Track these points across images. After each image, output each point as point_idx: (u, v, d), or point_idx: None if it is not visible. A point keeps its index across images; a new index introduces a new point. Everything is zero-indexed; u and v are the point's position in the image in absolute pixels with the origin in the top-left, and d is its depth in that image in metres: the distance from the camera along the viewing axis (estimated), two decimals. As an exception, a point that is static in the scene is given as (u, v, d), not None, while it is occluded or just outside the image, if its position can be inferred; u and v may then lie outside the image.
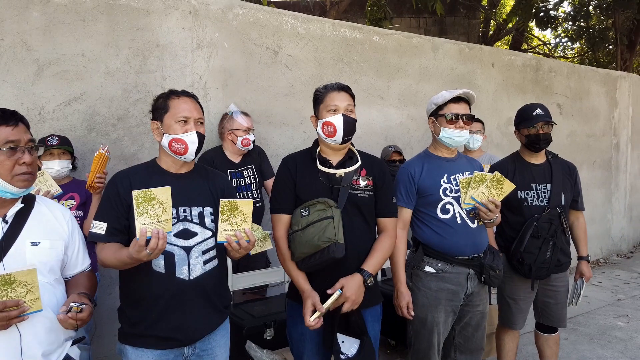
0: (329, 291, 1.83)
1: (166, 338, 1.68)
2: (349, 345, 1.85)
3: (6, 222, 1.48)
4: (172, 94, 1.77)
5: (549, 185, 2.66)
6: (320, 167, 1.96)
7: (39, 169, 2.65)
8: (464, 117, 2.19)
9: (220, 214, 1.61)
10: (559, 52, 14.19)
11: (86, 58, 3.02)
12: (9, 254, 1.44)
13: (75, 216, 2.63)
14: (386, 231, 2.03)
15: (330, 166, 1.98)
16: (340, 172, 1.96)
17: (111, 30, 3.09)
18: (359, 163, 2.00)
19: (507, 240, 2.69)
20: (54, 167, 2.65)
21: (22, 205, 1.53)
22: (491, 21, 11.97)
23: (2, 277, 1.29)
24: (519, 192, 2.66)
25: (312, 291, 1.87)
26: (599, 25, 9.73)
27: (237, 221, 1.63)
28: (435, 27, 11.10)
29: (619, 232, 7.11)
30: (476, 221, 2.23)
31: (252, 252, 2.97)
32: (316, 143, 2.05)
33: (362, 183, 1.96)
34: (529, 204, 2.65)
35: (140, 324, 1.68)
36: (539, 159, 2.73)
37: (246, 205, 1.65)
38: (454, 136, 2.21)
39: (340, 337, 1.85)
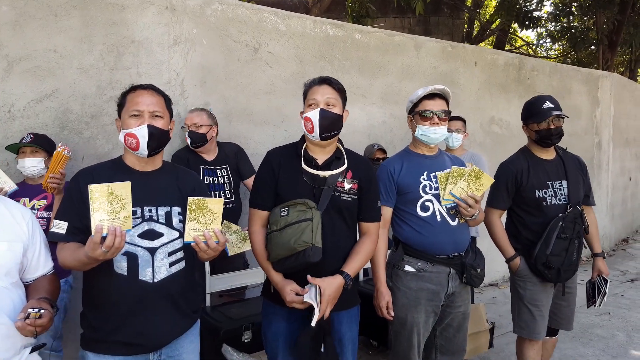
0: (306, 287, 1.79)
1: (129, 344, 1.60)
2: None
3: (-41, 222, 1.40)
4: (132, 88, 1.70)
5: (564, 182, 2.52)
6: (304, 166, 1.89)
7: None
8: (439, 114, 2.15)
9: (187, 213, 1.54)
10: (542, 52, 14.36)
11: (58, 54, 2.92)
12: None
13: (43, 217, 2.55)
14: (369, 235, 1.98)
15: (316, 165, 1.91)
16: (325, 174, 1.89)
17: (84, 25, 2.99)
18: (345, 165, 1.94)
19: (526, 244, 2.55)
20: (24, 165, 2.58)
21: (-23, 205, 1.45)
22: (475, 21, 12.06)
23: None
24: (537, 191, 2.52)
25: (285, 279, 1.82)
26: (580, 26, 9.84)
27: (205, 220, 1.57)
28: (419, 27, 11.12)
29: (601, 231, 7.16)
30: (457, 219, 2.19)
31: (231, 253, 2.92)
32: (303, 138, 1.99)
33: (347, 186, 1.91)
34: (549, 203, 2.50)
35: (102, 329, 1.61)
36: (550, 154, 2.59)
37: (216, 204, 1.58)
38: (429, 133, 2.17)
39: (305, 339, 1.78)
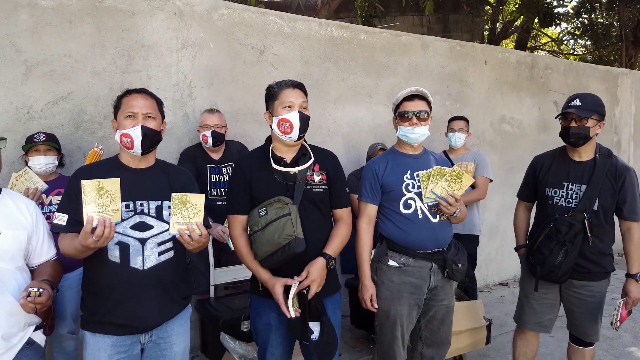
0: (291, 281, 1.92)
1: (122, 325, 1.76)
2: (312, 329, 1.91)
3: (-30, 212, 1.58)
4: (127, 92, 1.85)
5: (583, 187, 2.42)
6: (274, 166, 2.01)
7: (26, 164, 2.78)
8: (417, 114, 2.23)
9: (172, 207, 1.69)
10: (570, 49, 14.05)
11: (73, 58, 3.13)
12: None
13: None
14: (342, 220, 2.12)
15: (284, 163, 2.03)
16: (294, 170, 2.01)
17: (97, 31, 3.19)
18: (312, 159, 2.06)
19: (530, 236, 2.64)
20: (40, 162, 2.74)
21: (-14, 197, 1.63)
22: (499, 18, 11.91)
23: None
24: (547, 189, 2.54)
25: (273, 277, 1.95)
26: (603, 21, 9.61)
27: (188, 214, 1.71)
28: (438, 25, 11.08)
29: (618, 231, 7.03)
30: (438, 216, 2.27)
31: (234, 247, 3.07)
32: (269, 140, 2.10)
33: (317, 178, 2.03)
34: (554, 202, 2.51)
35: (98, 311, 1.77)
36: (582, 156, 2.47)
37: (198, 199, 1.72)
38: (408, 133, 2.26)
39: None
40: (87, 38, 3.16)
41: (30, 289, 1.55)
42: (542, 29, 13.56)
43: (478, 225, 3.97)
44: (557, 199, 2.51)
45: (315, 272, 1.92)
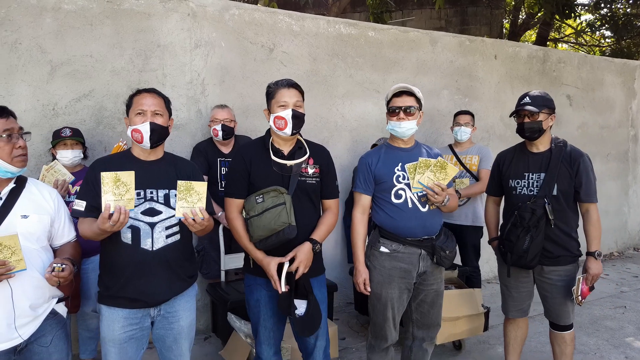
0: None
1: (133, 299, 1.98)
2: (298, 306, 2.12)
3: (0, 198, 1.80)
4: (137, 91, 2.05)
5: (542, 175, 2.61)
6: (273, 157, 2.21)
7: (54, 158, 3.03)
8: (404, 109, 2.37)
9: (177, 193, 1.89)
10: (595, 39, 13.72)
11: (94, 58, 3.37)
12: (3, 225, 1.75)
13: None
14: (330, 209, 2.34)
15: (282, 156, 2.23)
16: (291, 162, 2.21)
17: (116, 32, 3.42)
18: (308, 154, 2.26)
19: (501, 228, 2.78)
20: (67, 155, 2.98)
21: (14, 185, 1.85)
22: (520, 11, 11.74)
23: None
24: (510, 180, 2.71)
25: (268, 257, 2.15)
26: (624, 11, 9.41)
27: (192, 200, 1.90)
28: (456, 18, 11.03)
29: (636, 226, 6.98)
30: (427, 205, 2.41)
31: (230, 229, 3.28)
32: (269, 133, 2.29)
33: (310, 171, 2.24)
34: (517, 192, 2.68)
35: (113, 287, 1.99)
36: (540, 147, 2.67)
37: (201, 187, 1.92)
38: (395, 127, 2.40)
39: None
40: (106, 39, 3.39)
41: (55, 265, 1.77)
42: (564, 21, 13.31)
43: (482, 217, 4.07)
44: (519, 189, 2.67)
45: (302, 255, 2.13)
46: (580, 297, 2.56)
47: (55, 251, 1.99)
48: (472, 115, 4.15)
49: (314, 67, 4.21)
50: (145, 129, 1.99)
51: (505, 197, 2.80)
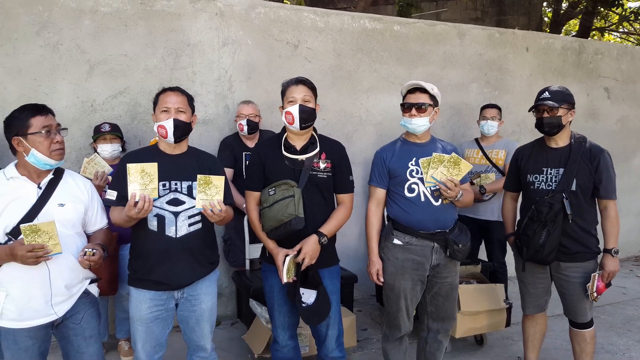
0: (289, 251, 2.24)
1: (159, 282, 2.14)
2: (308, 295, 2.23)
3: (40, 188, 1.99)
4: (163, 90, 2.20)
5: (561, 170, 2.59)
6: (285, 153, 2.32)
7: (94, 150, 3.25)
8: (415, 105, 2.41)
9: (197, 186, 2.03)
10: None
11: (128, 58, 3.57)
12: (42, 212, 1.95)
13: None
14: (343, 204, 2.41)
15: (295, 151, 2.33)
16: (302, 157, 2.31)
17: (149, 33, 3.61)
18: (318, 148, 2.34)
19: (519, 223, 2.78)
20: (107, 149, 3.19)
21: (53, 176, 2.04)
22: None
23: (30, 227, 1.79)
24: (529, 175, 2.70)
25: (277, 247, 2.28)
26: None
27: (211, 193, 2.04)
28: (492, 8, 10.78)
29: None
30: (440, 200, 2.45)
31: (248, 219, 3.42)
32: (284, 129, 2.40)
33: (322, 165, 2.32)
34: (535, 187, 2.67)
35: (140, 270, 2.16)
36: (559, 142, 2.65)
37: (219, 180, 2.05)
38: (407, 123, 2.46)
39: (302, 290, 2.23)
40: (140, 39, 3.59)
41: (87, 249, 1.95)
42: (611, 9, 12.68)
43: (499, 212, 4.03)
44: (537, 184, 2.67)
45: (308, 247, 2.23)
46: (595, 294, 2.54)
47: (89, 237, 2.17)
48: (499, 109, 4.09)
49: (338, 62, 4.27)
50: (169, 125, 2.13)
51: (523, 192, 2.80)
